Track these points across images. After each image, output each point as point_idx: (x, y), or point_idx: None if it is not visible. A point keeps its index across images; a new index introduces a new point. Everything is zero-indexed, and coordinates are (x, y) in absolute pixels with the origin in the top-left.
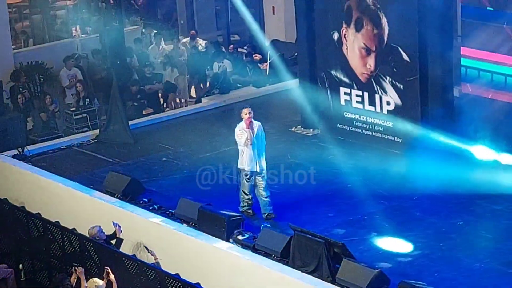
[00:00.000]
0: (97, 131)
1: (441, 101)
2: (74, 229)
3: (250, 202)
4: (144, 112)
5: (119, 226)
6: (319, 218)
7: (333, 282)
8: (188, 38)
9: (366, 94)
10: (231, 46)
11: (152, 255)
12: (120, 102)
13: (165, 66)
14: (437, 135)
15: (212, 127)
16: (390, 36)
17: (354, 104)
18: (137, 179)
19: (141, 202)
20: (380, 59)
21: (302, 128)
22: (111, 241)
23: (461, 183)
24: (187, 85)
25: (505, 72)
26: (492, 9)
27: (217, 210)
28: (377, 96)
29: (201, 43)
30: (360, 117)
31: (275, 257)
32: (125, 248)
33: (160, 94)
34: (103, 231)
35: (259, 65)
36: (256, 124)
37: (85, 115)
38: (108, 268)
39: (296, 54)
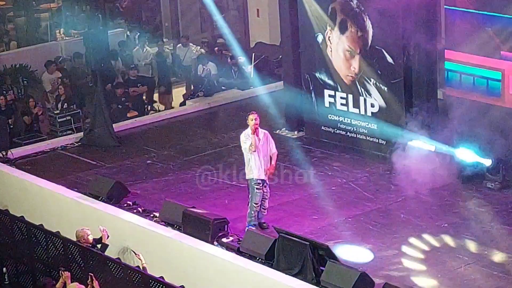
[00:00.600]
0: (81, 134)
1: (425, 103)
2: (58, 232)
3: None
4: (128, 115)
5: (106, 232)
6: (303, 220)
7: (317, 284)
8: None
9: (350, 97)
10: (216, 48)
11: (139, 259)
12: (105, 105)
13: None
14: (421, 137)
15: (197, 130)
16: (374, 39)
17: (339, 107)
18: (122, 182)
19: (125, 205)
20: (364, 61)
21: (286, 131)
22: (97, 245)
23: (445, 185)
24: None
25: (488, 75)
26: (476, 11)
27: (201, 213)
28: (361, 99)
29: (195, 49)
30: (344, 119)
31: (260, 259)
32: (109, 251)
33: (144, 97)
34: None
35: (243, 67)
36: (262, 131)
37: (69, 118)
38: (92, 274)
39: (280, 56)
